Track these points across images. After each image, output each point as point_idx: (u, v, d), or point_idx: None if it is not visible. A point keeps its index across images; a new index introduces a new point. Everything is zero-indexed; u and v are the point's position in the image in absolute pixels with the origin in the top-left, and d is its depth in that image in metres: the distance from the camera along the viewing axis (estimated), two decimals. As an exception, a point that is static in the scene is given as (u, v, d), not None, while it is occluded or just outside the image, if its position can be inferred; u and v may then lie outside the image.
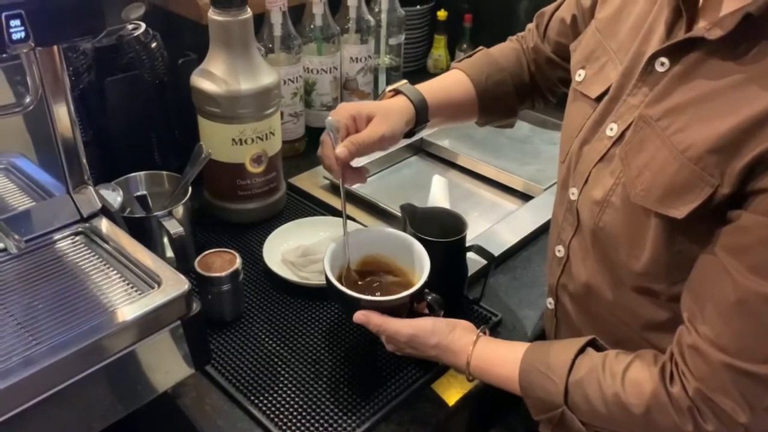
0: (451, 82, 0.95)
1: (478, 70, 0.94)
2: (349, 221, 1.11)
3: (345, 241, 0.84)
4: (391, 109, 0.84)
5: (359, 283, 0.85)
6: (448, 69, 1.70)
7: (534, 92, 0.98)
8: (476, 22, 1.65)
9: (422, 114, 0.88)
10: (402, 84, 0.89)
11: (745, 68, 0.59)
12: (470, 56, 0.97)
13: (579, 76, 0.79)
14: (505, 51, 0.97)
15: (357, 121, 0.82)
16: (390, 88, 0.90)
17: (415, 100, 0.87)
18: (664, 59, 0.66)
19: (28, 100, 0.65)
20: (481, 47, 0.98)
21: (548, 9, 0.94)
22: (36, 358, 0.62)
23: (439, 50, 1.72)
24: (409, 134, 0.88)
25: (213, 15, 1.00)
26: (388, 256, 0.87)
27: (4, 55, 0.57)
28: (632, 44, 0.72)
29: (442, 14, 1.67)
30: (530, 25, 0.97)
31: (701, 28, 0.62)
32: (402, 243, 0.85)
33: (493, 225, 1.16)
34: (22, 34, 0.55)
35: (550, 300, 0.88)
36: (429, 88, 0.90)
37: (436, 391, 0.86)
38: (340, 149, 0.78)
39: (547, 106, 1.02)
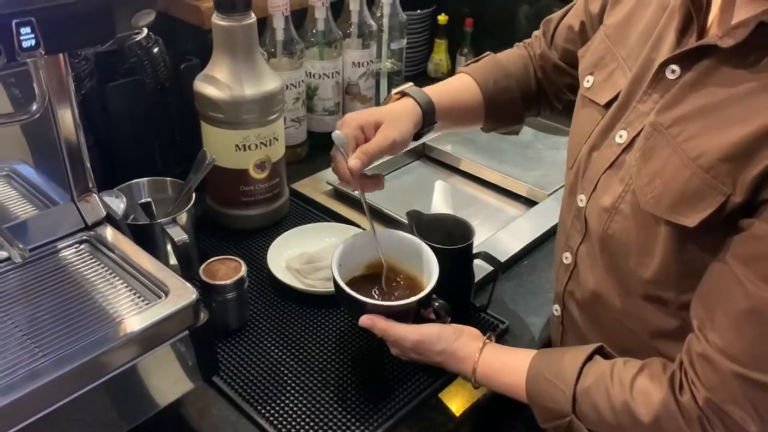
0: (459, 85, 0.94)
1: (485, 74, 0.94)
2: (352, 226, 1.11)
3: (377, 246, 0.84)
4: (399, 114, 0.84)
5: (367, 285, 0.84)
6: (448, 74, 1.72)
7: (540, 99, 0.98)
8: (477, 27, 1.65)
9: (429, 116, 0.87)
10: (408, 86, 0.89)
11: (758, 77, 0.59)
12: (477, 61, 0.97)
13: (587, 82, 0.79)
14: (512, 57, 0.97)
15: (365, 130, 0.81)
16: (396, 90, 0.89)
17: (422, 102, 0.87)
18: (675, 66, 0.66)
19: (34, 107, 0.64)
20: (488, 52, 0.98)
21: (555, 16, 0.93)
22: (42, 370, 0.61)
23: (439, 55, 1.72)
24: (415, 137, 0.88)
25: (216, 20, 1.00)
26: (397, 259, 0.86)
27: (13, 63, 0.56)
28: (642, 51, 0.72)
29: (442, 18, 1.67)
30: (537, 32, 0.97)
31: (714, 36, 0.62)
32: (411, 247, 0.85)
33: (498, 231, 1.15)
34: (33, 42, 0.54)
35: (557, 307, 0.88)
36: (436, 91, 0.90)
37: (443, 400, 0.85)
38: (353, 161, 0.77)
39: (553, 114, 1.01)
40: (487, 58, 0.97)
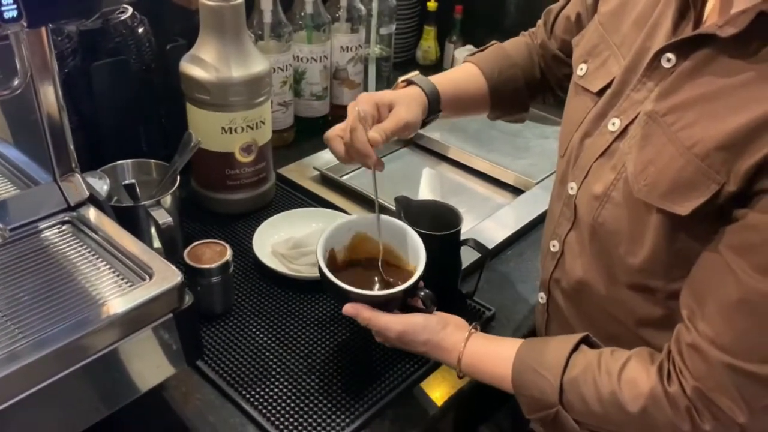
0: (464, 75, 0.95)
1: (490, 64, 0.95)
2: (338, 212, 1.10)
3: (378, 226, 0.83)
4: (411, 98, 0.85)
5: (353, 271, 0.84)
6: (437, 61, 1.71)
7: (544, 88, 0.99)
8: (467, 14, 1.63)
9: (434, 105, 0.88)
10: (414, 75, 0.90)
11: (756, 67, 0.59)
12: (483, 50, 0.98)
13: (581, 70, 0.78)
14: (517, 46, 0.98)
15: (380, 109, 0.81)
16: (402, 78, 0.90)
17: (428, 91, 0.87)
18: (670, 55, 0.65)
19: (16, 83, 0.62)
20: (494, 41, 0.99)
21: (556, 6, 0.94)
22: (22, 352, 0.59)
23: (428, 41, 1.71)
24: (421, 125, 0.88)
25: (204, 0, 0.98)
26: (386, 243, 0.85)
27: (-7, 35, 0.54)
28: (636, 39, 0.71)
29: (432, 5, 1.65)
30: (540, 22, 0.98)
31: (712, 24, 0.62)
32: (399, 234, 0.84)
33: (485, 219, 1.15)
34: (15, 13, 0.52)
35: (542, 295, 0.88)
36: (441, 80, 0.90)
37: (425, 390, 0.85)
38: (373, 134, 0.77)
39: (556, 102, 1.01)
40: (493, 47, 0.98)
